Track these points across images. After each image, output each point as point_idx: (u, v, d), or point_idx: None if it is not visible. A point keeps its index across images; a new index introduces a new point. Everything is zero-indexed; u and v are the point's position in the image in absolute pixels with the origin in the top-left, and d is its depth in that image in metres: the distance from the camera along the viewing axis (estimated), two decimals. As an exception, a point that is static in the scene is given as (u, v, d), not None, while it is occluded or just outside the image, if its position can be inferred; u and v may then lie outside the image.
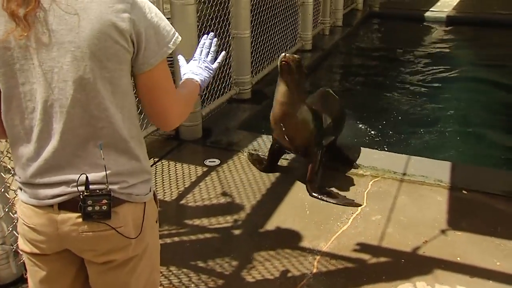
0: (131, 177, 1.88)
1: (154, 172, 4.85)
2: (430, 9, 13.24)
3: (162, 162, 5.07)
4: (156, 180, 4.73)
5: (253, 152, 5.25)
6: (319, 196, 4.45)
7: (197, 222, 4.14)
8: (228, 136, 5.65)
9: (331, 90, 5.42)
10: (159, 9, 4.93)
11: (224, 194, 4.53)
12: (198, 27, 5.44)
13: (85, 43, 1.70)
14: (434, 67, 9.74)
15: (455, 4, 13.70)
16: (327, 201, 4.40)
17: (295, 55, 4.52)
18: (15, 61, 1.74)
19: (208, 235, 4.00)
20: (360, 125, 6.79)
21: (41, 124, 1.78)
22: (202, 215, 4.23)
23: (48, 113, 1.77)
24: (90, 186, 1.79)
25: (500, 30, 11.68)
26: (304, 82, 4.63)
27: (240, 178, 4.78)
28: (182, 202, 4.42)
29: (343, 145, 5.34)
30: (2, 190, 3.26)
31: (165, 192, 4.55)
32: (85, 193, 1.78)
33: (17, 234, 3.23)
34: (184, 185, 4.68)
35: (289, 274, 3.56)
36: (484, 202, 4.46)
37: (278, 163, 5.01)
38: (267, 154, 5.01)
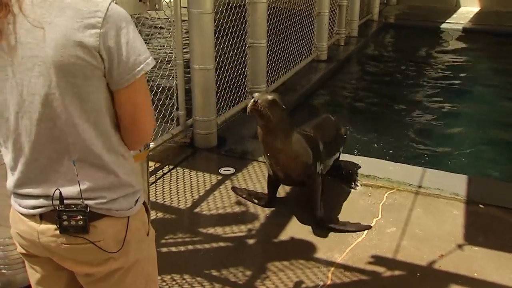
0: (109, 192, 1.85)
1: (169, 179, 4.85)
2: (446, 21, 13.17)
3: (177, 170, 5.07)
4: (170, 188, 4.73)
5: (243, 188, 4.78)
6: (333, 227, 4.19)
7: (211, 230, 4.13)
8: (243, 145, 5.64)
9: (331, 116, 5.11)
10: (176, 17, 5.01)
11: (238, 203, 4.52)
12: (215, 35, 5.45)
13: (49, 59, 1.67)
14: (450, 79, 9.73)
15: (472, 16, 13.62)
16: (340, 230, 4.16)
17: (268, 96, 3.98)
18: None
19: (222, 244, 3.99)
20: (375, 137, 6.77)
21: (14, 135, 1.79)
22: (216, 224, 4.22)
23: (20, 125, 1.77)
24: (66, 201, 1.79)
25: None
26: (285, 118, 4.05)
27: (254, 187, 4.76)
28: (197, 210, 4.41)
29: (347, 164, 5.13)
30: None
31: (179, 200, 4.55)
32: (60, 208, 1.78)
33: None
34: (199, 193, 4.67)
35: (303, 285, 3.53)
36: (500, 216, 4.41)
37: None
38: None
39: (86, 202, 1.80)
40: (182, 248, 3.91)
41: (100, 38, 1.69)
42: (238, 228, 4.16)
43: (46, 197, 1.81)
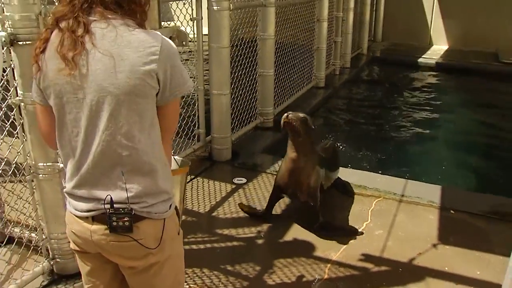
0: (151, 198, 1.89)
1: (190, 188, 4.80)
2: (422, 56, 13.22)
3: (197, 179, 5.02)
4: (192, 194, 4.68)
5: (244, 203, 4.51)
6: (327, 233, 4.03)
7: (226, 231, 4.08)
8: (254, 158, 5.59)
9: (335, 144, 5.00)
10: (198, 51, 4.98)
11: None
12: (230, 65, 5.44)
13: (118, 82, 1.74)
14: (425, 104, 9.73)
15: (442, 52, 13.72)
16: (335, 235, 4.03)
17: (300, 114, 3.79)
18: (63, 94, 1.80)
19: (235, 243, 3.94)
20: (364, 152, 6.72)
21: (82, 146, 1.84)
22: (231, 226, 4.17)
23: (88, 138, 1.82)
24: (115, 205, 1.84)
25: (475, 76, 11.75)
26: (311, 137, 3.89)
27: (263, 195, 4.69)
28: (214, 214, 4.37)
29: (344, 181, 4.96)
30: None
31: (199, 205, 4.49)
32: (110, 211, 1.83)
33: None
34: (216, 199, 4.62)
35: (304, 279, 3.49)
36: (468, 221, 4.37)
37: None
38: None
39: (131, 206, 1.84)
40: (202, 246, 3.87)
41: (158, 64, 1.77)
42: (249, 230, 4.11)
43: (98, 200, 1.86)
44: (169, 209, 1.96)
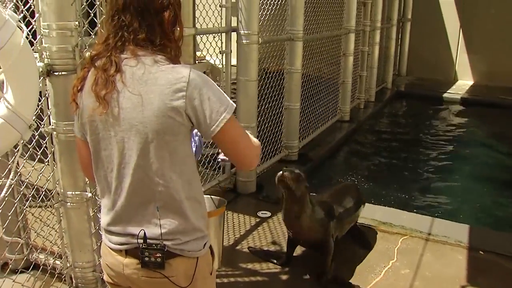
0: (184, 236, 1.88)
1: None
2: (447, 91, 13.16)
3: (221, 211, 5.00)
4: (216, 227, 4.65)
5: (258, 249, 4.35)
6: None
7: (249, 266, 4.04)
8: (278, 192, 5.52)
9: (354, 184, 4.82)
10: (227, 83, 5.04)
11: (274, 243, 4.43)
12: (257, 98, 5.47)
13: (146, 119, 1.76)
14: (451, 140, 9.61)
15: (467, 88, 13.64)
16: None
17: (295, 171, 3.78)
18: (98, 131, 1.85)
19: (259, 278, 3.90)
20: (389, 188, 6.65)
21: (116, 182, 1.87)
22: (254, 260, 4.13)
23: (121, 174, 1.85)
24: (148, 241, 1.84)
25: (502, 111, 11.58)
26: (305, 194, 3.79)
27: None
28: (238, 247, 4.34)
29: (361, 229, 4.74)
30: (97, 227, 3.29)
31: (224, 238, 4.46)
32: (143, 246, 1.84)
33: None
34: (240, 232, 4.60)
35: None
36: (497, 262, 4.27)
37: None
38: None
39: (164, 242, 1.84)
40: (225, 280, 3.84)
41: (186, 100, 1.75)
42: (273, 265, 4.06)
43: (132, 235, 1.87)
44: (203, 248, 1.94)
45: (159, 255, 1.83)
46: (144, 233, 1.84)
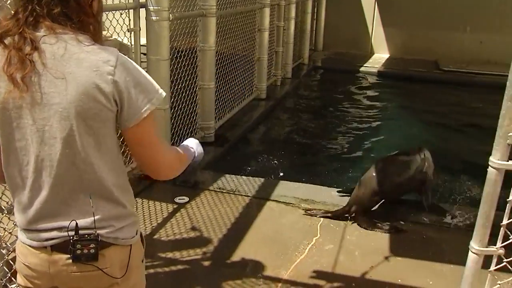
0: (118, 221, 1.82)
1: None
2: (364, 65, 13.55)
3: (136, 200, 4.86)
4: (131, 216, 4.53)
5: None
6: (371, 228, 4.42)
7: (169, 255, 3.96)
8: (195, 176, 5.46)
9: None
10: (136, 63, 4.87)
11: (193, 228, 4.36)
12: (170, 79, 5.36)
13: (71, 105, 1.65)
14: (367, 112, 9.95)
15: (383, 61, 14.10)
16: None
17: None
18: (12, 120, 1.70)
19: (180, 267, 3.83)
20: (310, 164, 6.75)
21: (34, 176, 1.74)
22: (174, 249, 4.05)
23: (39, 167, 1.72)
24: (80, 231, 1.74)
25: (416, 83, 12.19)
26: None
27: (207, 214, 4.61)
28: (156, 236, 4.23)
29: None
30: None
31: (140, 227, 4.35)
32: (75, 238, 1.73)
33: (6, 270, 3.15)
34: (157, 220, 4.48)
35: (254, 301, 3.42)
36: (416, 230, 4.47)
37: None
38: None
39: (98, 231, 1.76)
40: (145, 272, 3.73)
41: (113, 84, 1.67)
42: (194, 251, 4.00)
43: (59, 229, 1.76)
44: (136, 234, 1.90)
45: (92, 246, 1.74)
46: (76, 223, 1.74)
